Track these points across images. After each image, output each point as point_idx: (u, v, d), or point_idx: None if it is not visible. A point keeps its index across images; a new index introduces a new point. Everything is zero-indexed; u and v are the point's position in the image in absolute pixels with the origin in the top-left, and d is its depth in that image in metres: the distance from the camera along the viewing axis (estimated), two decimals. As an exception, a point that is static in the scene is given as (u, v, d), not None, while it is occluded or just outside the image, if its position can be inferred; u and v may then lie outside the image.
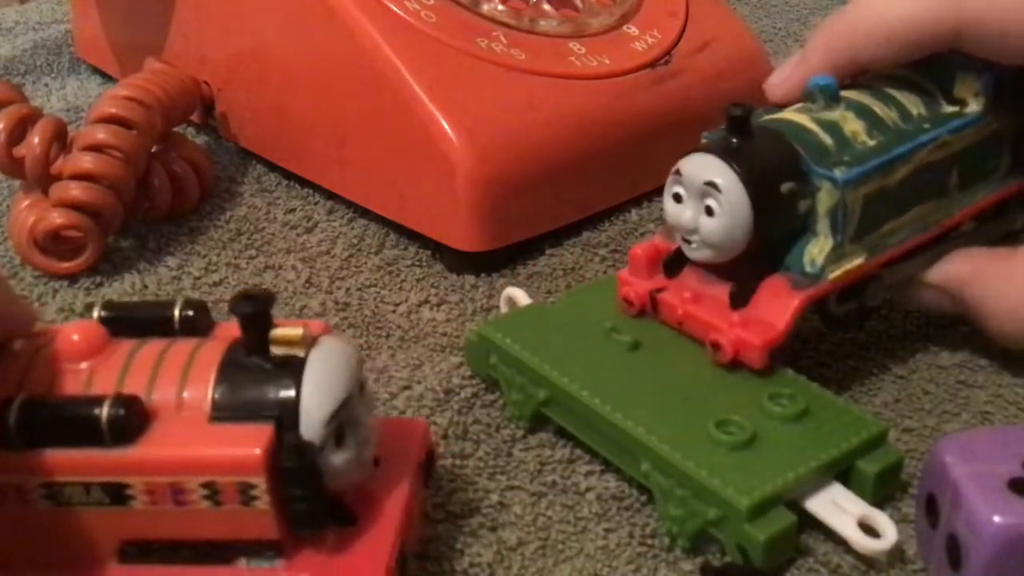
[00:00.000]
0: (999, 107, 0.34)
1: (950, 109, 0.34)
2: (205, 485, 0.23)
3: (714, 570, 0.27)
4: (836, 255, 0.31)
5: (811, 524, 0.28)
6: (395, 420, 0.28)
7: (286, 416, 0.24)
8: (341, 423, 0.24)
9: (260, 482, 0.23)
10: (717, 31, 0.46)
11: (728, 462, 0.28)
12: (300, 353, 0.24)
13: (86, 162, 0.39)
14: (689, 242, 0.31)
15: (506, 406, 0.33)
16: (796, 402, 0.30)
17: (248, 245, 0.41)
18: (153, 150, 0.42)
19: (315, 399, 0.24)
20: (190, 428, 0.24)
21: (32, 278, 0.40)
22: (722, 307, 0.31)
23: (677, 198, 0.31)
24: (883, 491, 0.29)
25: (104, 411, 0.23)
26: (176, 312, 0.26)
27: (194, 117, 0.47)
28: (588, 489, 0.30)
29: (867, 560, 0.28)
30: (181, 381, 0.24)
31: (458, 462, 0.31)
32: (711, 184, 0.30)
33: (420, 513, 0.28)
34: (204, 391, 0.24)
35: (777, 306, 0.30)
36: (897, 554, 0.28)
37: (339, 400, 0.24)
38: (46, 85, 0.56)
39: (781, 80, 0.35)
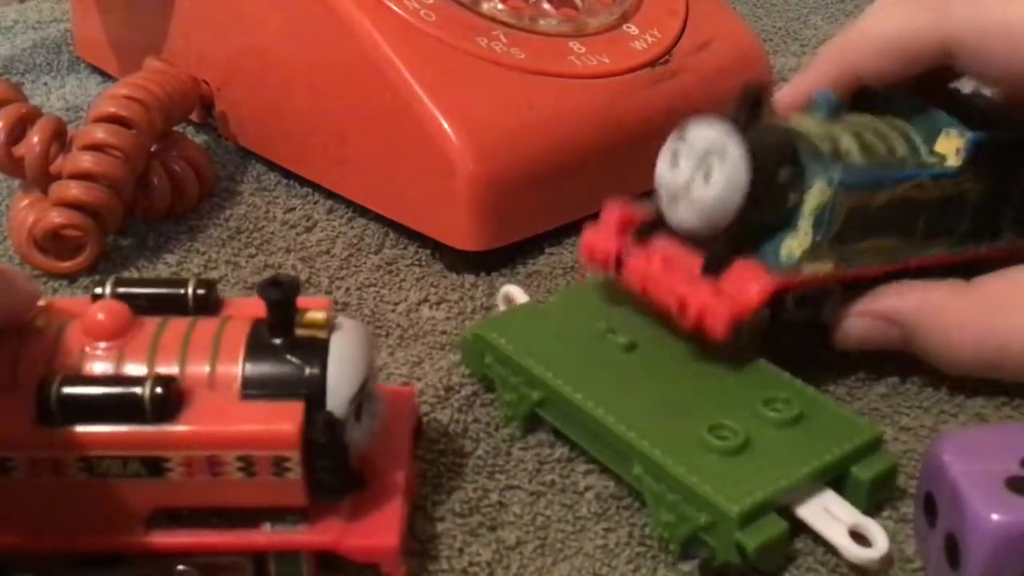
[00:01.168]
0: (974, 171, 0.34)
1: (931, 159, 0.34)
2: (241, 458, 0.25)
3: (712, 570, 0.27)
4: (812, 255, 0.31)
5: (806, 528, 0.28)
6: (385, 389, 0.29)
7: (314, 394, 0.25)
8: (360, 400, 0.26)
9: (294, 455, 0.25)
10: (717, 30, 0.46)
11: (720, 468, 0.28)
12: (323, 335, 0.26)
13: (85, 161, 0.39)
14: (676, 206, 0.31)
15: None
16: (791, 407, 0.29)
17: (247, 244, 0.41)
18: (153, 149, 0.42)
19: (340, 378, 0.25)
20: (224, 405, 0.25)
21: (32, 277, 0.40)
22: (691, 278, 0.31)
23: (673, 160, 0.31)
24: (877, 497, 0.29)
25: (146, 390, 0.24)
26: (190, 290, 0.27)
27: (194, 116, 0.47)
28: (587, 488, 0.30)
29: (860, 569, 0.28)
30: (211, 360, 0.25)
31: (457, 460, 0.31)
32: (717, 150, 0.30)
33: (415, 473, 0.30)
34: (234, 370, 0.25)
35: (749, 283, 0.30)
36: (888, 563, 0.28)
37: (362, 379, 0.26)
38: (45, 84, 0.56)
39: (787, 92, 0.36)
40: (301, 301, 0.26)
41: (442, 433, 0.32)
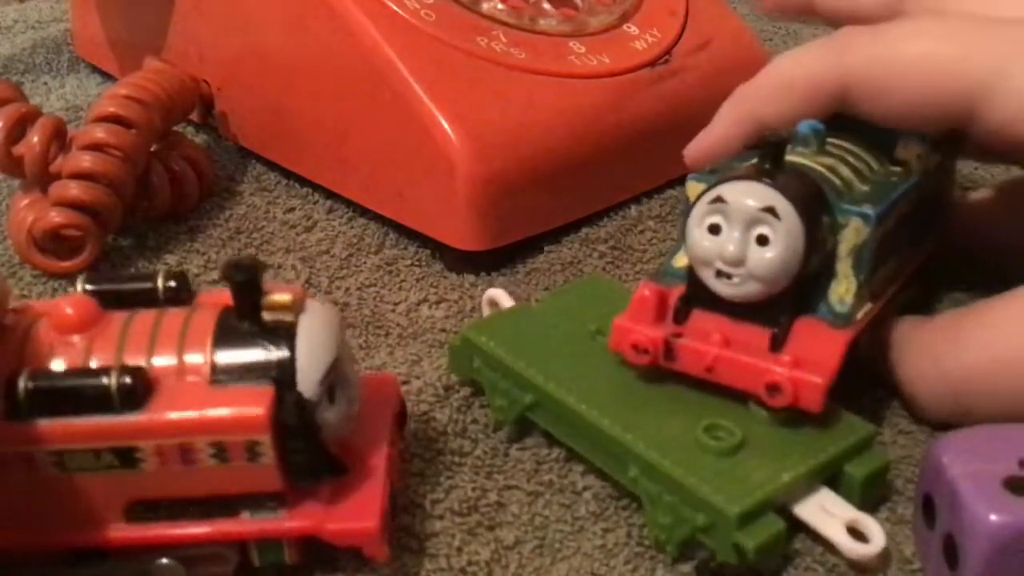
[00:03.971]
0: (929, 176, 0.34)
1: (896, 169, 0.34)
2: (213, 444, 0.25)
3: (710, 570, 0.27)
4: (859, 297, 0.30)
5: (802, 526, 0.28)
6: (367, 376, 0.29)
7: (284, 376, 0.25)
8: (332, 381, 0.26)
9: (265, 439, 0.25)
10: (717, 30, 0.46)
11: (717, 468, 0.28)
12: (290, 317, 0.26)
13: (85, 161, 0.39)
14: (729, 276, 0.29)
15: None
16: None
17: (247, 244, 0.41)
18: (153, 149, 0.42)
19: (309, 359, 0.25)
20: (193, 392, 0.25)
21: (31, 277, 0.40)
22: (757, 351, 0.29)
23: (714, 229, 0.29)
24: (871, 494, 0.29)
25: (113, 379, 0.24)
26: (160, 283, 0.27)
27: (194, 116, 0.47)
28: (585, 488, 0.30)
29: (857, 564, 0.28)
30: (179, 348, 0.25)
31: (456, 459, 0.31)
32: (768, 210, 0.29)
33: (399, 459, 0.30)
34: (203, 357, 0.25)
35: (823, 346, 0.29)
36: (886, 558, 0.28)
37: (331, 359, 0.26)
38: (45, 84, 0.56)
39: (693, 148, 0.35)
40: (271, 286, 0.26)
41: (441, 432, 0.32)
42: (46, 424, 0.24)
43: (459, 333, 0.33)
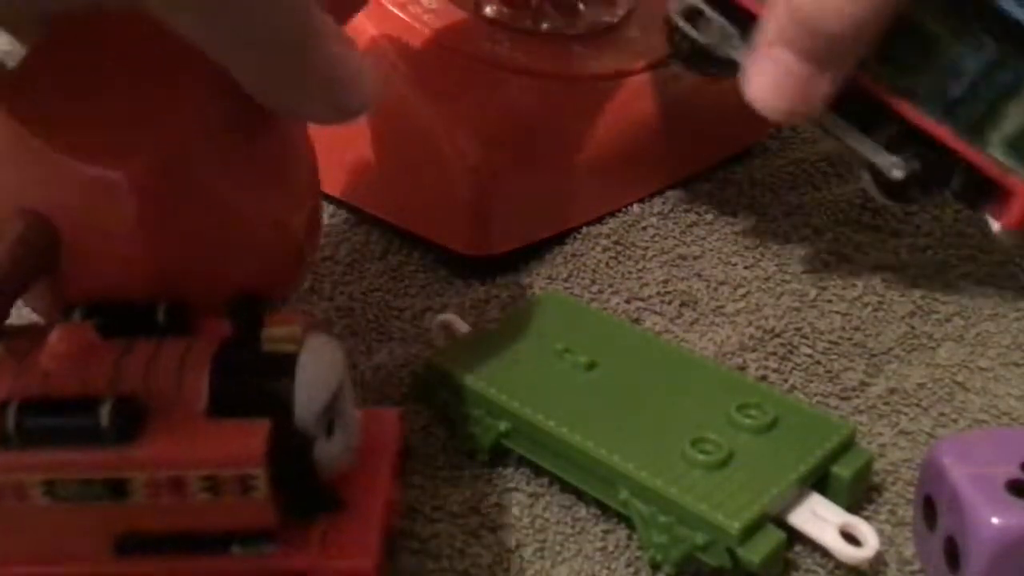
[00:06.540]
0: None
1: None
2: (205, 478, 0.24)
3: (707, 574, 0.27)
4: None
5: (795, 532, 0.28)
6: (369, 412, 0.29)
7: (281, 409, 0.24)
8: (331, 415, 0.25)
9: (259, 473, 0.24)
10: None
11: (710, 484, 0.27)
12: (290, 349, 0.25)
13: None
14: None
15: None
16: (765, 412, 0.29)
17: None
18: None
19: (308, 393, 0.25)
20: (188, 424, 0.24)
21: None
22: None
23: None
24: (858, 493, 0.29)
25: (104, 412, 0.24)
26: (160, 312, 0.27)
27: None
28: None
29: (854, 569, 0.28)
30: (176, 379, 0.25)
31: (457, 461, 0.31)
32: None
33: (400, 498, 0.29)
34: (200, 387, 0.25)
35: None
36: (881, 561, 0.28)
37: (330, 394, 0.25)
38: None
39: None
40: (273, 318, 0.26)
41: (442, 433, 0.32)
42: (36, 454, 0.24)
43: (423, 361, 0.33)
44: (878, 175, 0.35)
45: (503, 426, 0.30)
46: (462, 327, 0.34)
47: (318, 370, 0.25)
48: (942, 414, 0.33)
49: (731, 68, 0.35)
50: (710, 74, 0.38)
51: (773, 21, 0.33)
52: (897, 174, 0.34)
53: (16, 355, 0.25)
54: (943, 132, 0.34)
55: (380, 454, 0.28)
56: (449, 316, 0.35)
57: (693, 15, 0.36)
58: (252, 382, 0.25)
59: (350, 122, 0.28)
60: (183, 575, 0.25)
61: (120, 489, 0.24)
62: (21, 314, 0.28)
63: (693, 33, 0.36)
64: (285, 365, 0.25)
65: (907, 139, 0.34)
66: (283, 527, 0.25)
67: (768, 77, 0.33)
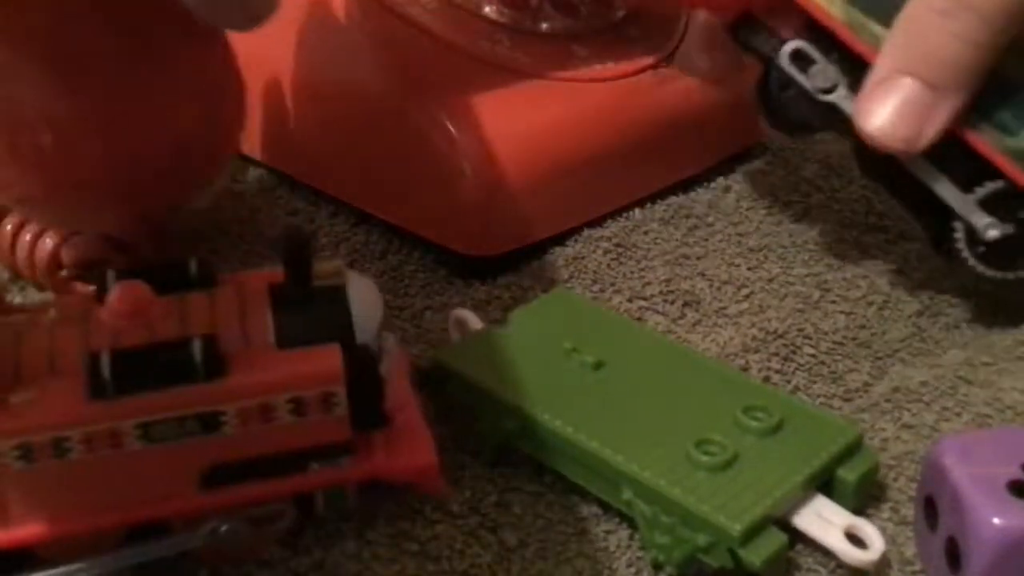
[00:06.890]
0: None
1: None
2: (291, 400, 0.26)
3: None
4: None
5: (799, 534, 0.28)
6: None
7: (344, 333, 0.27)
8: (378, 340, 0.28)
9: (340, 390, 0.26)
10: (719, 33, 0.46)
11: (714, 485, 0.27)
12: (339, 282, 0.28)
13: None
14: None
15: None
16: (771, 414, 0.29)
17: (250, 247, 0.41)
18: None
19: (364, 317, 0.27)
20: (265, 356, 0.26)
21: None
22: None
23: None
24: (863, 496, 0.29)
25: (196, 349, 0.25)
26: (192, 267, 0.28)
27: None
28: (587, 490, 0.30)
29: (859, 571, 0.28)
30: (239, 320, 0.27)
31: (458, 460, 0.31)
32: None
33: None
34: (265, 324, 0.27)
35: None
36: (886, 562, 0.28)
37: (381, 315, 0.28)
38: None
39: None
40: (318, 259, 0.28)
41: (443, 434, 0.32)
42: (132, 399, 0.25)
43: (430, 357, 0.33)
44: (972, 235, 0.34)
45: (511, 424, 0.30)
46: (476, 323, 0.34)
47: (368, 297, 0.28)
48: (945, 408, 0.33)
49: (821, 115, 0.35)
50: (792, 122, 0.36)
51: (892, 51, 0.33)
52: (992, 234, 0.33)
53: (83, 314, 0.27)
54: None
55: (400, 379, 0.30)
56: (464, 312, 0.35)
57: (799, 59, 0.35)
58: (313, 311, 0.27)
59: (257, 28, 0.29)
60: (267, 498, 0.27)
61: (212, 423, 0.26)
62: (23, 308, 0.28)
63: (800, 77, 0.35)
64: (339, 294, 0.27)
65: (1010, 200, 0.33)
66: (355, 441, 0.27)
67: (890, 107, 0.33)
